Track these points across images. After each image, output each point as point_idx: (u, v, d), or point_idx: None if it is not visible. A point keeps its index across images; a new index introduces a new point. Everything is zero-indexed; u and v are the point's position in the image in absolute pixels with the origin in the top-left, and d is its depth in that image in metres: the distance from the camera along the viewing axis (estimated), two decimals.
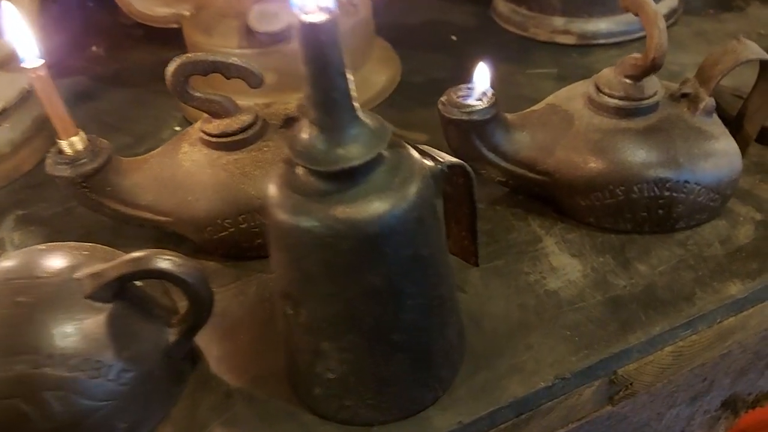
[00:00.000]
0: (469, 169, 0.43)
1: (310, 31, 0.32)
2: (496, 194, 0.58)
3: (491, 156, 0.54)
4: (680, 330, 0.47)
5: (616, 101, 0.52)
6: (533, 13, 0.83)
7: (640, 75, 0.51)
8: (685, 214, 0.52)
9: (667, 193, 0.51)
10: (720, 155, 0.51)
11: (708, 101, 0.52)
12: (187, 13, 0.70)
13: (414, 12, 0.91)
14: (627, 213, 0.52)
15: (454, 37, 0.85)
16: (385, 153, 0.37)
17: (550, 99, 0.57)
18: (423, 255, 0.38)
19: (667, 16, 0.82)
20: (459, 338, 0.44)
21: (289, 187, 0.36)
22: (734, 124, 0.57)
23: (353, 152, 0.35)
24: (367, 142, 0.35)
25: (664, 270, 0.50)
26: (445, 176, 0.42)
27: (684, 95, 0.53)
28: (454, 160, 0.42)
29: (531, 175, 0.54)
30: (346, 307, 0.37)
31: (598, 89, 0.53)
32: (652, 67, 0.50)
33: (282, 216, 0.36)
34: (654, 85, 0.52)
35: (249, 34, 0.65)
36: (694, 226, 0.54)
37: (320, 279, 0.36)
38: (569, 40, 0.81)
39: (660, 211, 0.52)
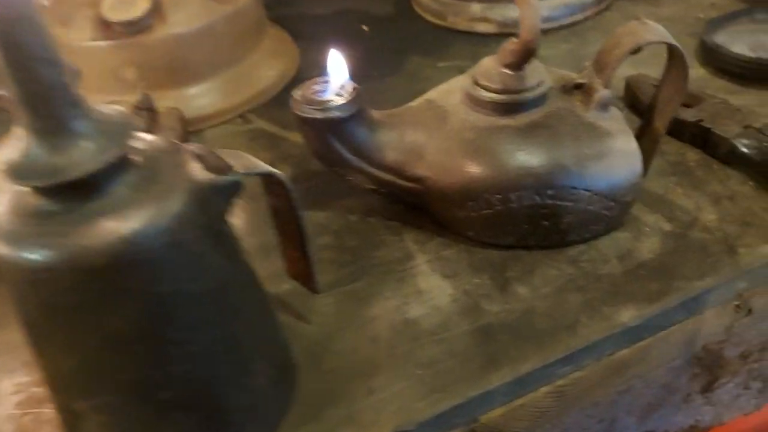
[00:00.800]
0: (284, 178, 0.36)
1: None
2: (372, 204, 0.51)
3: (354, 160, 0.46)
4: (558, 366, 0.39)
5: (492, 95, 0.44)
6: None
7: (518, 62, 0.43)
8: (576, 226, 0.44)
9: (550, 202, 0.43)
10: (615, 155, 0.43)
11: (602, 93, 0.44)
12: (46, 3, 0.62)
13: (325, 0, 0.83)
14: (507, 225, 0.44)
15: (365, 28, 0.77)
16: (136, 160, 0.29)
17: (429, 93, 0.49)
18: (192, 291, 0.30)
19: (598, 0, 0.74)
20: (277, 387, 0.36)
21: (11, 209, 0.28)
22: (644, 121, 0.49)
23: (75, 160, 0.27)
24: (97, 147, 0.27)
25: (547, 292, 0.43)
26: (266, 187, 0.35)
27: (577, 86, 0.45)
28: (262, 168, 0.34)
29: (400, 182, 0.46)
30: (90, 359, 0.29)
31: (476, 82, 0.45)
32: (527, 53, 0.42)
33: None
34: (538, 75, 0.44)
35: (104, 25, 0.57)
36: (590, 240, 0.46)
37: (47, 324, 0.29)
38: (489, 28, 0.73)
39: (545, 223, 0.44)
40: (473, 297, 0.43)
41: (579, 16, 0.72)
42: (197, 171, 0.31)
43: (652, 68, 0.55)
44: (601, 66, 0.45)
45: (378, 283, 0.45)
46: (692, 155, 0.52)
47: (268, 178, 0.36)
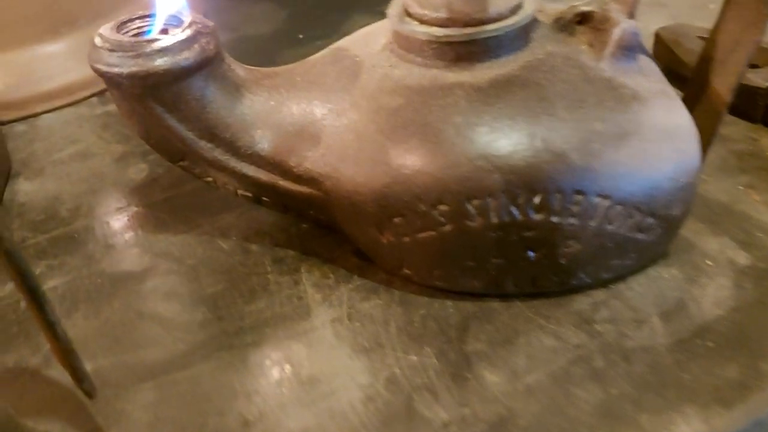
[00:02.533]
0: None
1: None
2: (263, 222, 0.32)
3: (206, 147, 0.27)
4: None
5: (431, 29, 0.25)
6: None
7: None
8: (587, 260, 0.25)
9: (538, 217, 0.24)
10: (652, 135, 0.24)
11: (625, 26, 0.25)
12: None
13: None
14: (466, 259, 0.25)
15: None
16: None
17: (342, 41, 0.30)
18: None
19: None
20: None
21: None
22: (693, 84, 0.30)
23: None
24: None
25: (536, 383, 0.23)
26: None
27: (581, 19, 0.26)
28: None
29: (285, 183, 0.27)
30: None
31: (407, 11, 0.26)
32: None
33: None
34: None
35: None
36: (612, 282, 0.26)
37: None
38: None
39: (531, 254, 0.24)
40: (404, 391, 0.24)
41: None
42: None
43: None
44: None
45: (240, 363, 0.25)
46: None
47: None
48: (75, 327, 0.28)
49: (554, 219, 0.24)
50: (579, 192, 0.24)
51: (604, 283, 0.26)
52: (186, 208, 0.33)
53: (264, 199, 0.29)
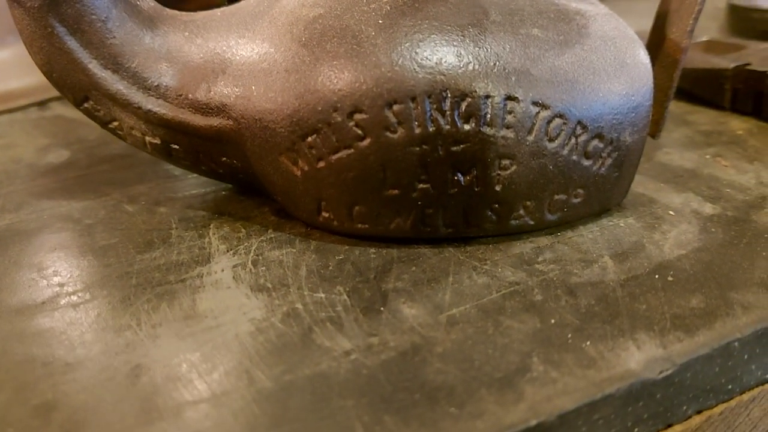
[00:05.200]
0: None
1: None
2: (176, 190, 0.28)
3: (111, 78, 0.24)
4: None
5: None
6: None
7: None
8: (527, 188, 0.22)
9: (468, 127, 0.20)
10: (600, 47, 0.22)
11: None
12: None
13: None
14: (388, 185, 0.22)
15: None
16: None
17: None
18: None
19: None
20: None
21: None
22: (652, 42, 0.28)
23: None
24: None
25: (461, 315, 0.19)
26: None
27: None
28: None
29: (193, 118, 0.24)
30: None
31: None
32: None
33: None
34: None
35: None
36: (558, 229, 0.23)
37: None
38: None
39: (460, 177, 0.21)
40: (303, 324, 0.19)
41: None
42: None
43: None
44: None
45: (117, 302, 0.21)
46: (738, 123, 0.30)
47: None
48: None
49: (485, 130, 0.21)
50: (512, 98, 0.21)
51: (549, 229, 0.23)
52: (99, 183, 0.30)
53: (174, 147, 0.26)
